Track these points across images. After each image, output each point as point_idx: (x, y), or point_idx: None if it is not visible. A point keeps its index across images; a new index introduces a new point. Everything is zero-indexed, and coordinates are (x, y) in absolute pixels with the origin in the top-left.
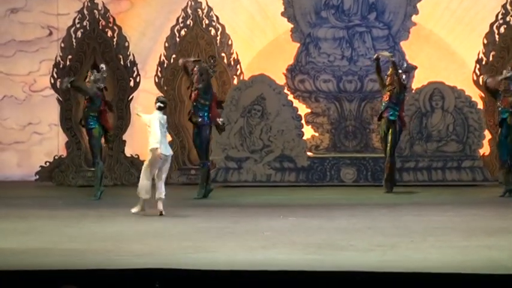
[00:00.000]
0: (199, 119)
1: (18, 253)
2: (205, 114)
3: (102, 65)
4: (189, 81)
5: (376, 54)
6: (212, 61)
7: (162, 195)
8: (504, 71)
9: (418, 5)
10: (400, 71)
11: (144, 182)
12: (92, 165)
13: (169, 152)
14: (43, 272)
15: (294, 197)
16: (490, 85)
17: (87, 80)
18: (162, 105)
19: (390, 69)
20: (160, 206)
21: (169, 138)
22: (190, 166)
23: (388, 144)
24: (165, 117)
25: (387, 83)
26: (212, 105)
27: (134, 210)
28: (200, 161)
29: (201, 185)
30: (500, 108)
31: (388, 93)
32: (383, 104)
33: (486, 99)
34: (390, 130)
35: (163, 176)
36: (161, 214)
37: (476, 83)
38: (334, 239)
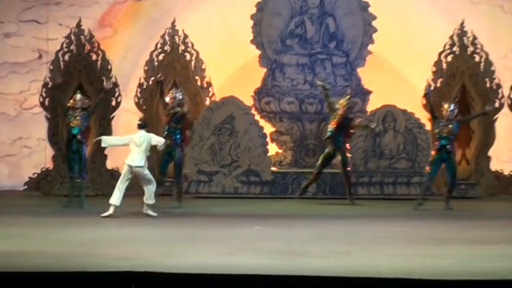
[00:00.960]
0: (172, 141)
1: (6, 255)
2: (178, 136)
3: None
4: (162, 102)
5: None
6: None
7: (146, 201)
8: (445, 105)
9: (374, 36)
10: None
11: (115, 190)
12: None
13: (136, 164)
14: (29, 274)
15: (258, 207)
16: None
17: None
18: (139, 123)
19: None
20: (144, 208)
21: None
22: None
23: (342, 166)
24: (140, 134)
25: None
26: (184, 128)
27: (104, 214)
28: (176, 177)
29: (179, 197)
30: (439, 136)
31: (335, 120)
32: (330, 129)
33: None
34: (339, 153)
35: (145, 185)
36: (147, 215)
37: (424, 106)
38: (294, 246)
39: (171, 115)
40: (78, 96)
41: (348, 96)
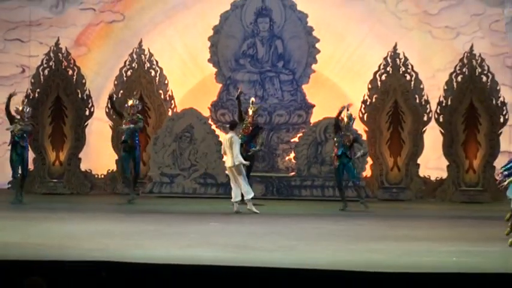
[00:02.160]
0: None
1: None
2: (136, 139)
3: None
4: (117, 113)
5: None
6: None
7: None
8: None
9: (317, 56)
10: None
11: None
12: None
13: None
14: (11, 262)
15: (214, 206)
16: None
17: None
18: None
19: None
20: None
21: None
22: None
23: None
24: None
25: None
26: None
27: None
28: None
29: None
30: (338, 144)
31: (246, 128)
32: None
33: (369, 133)
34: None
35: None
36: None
37: (361, 119)
38: (246, 240)
39: (134, 121)
40: (25, 108)
41: (258, 106)
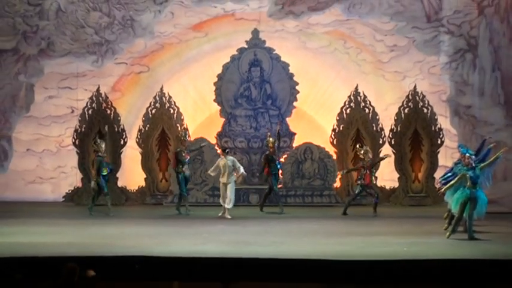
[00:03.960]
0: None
1: (48, 246)
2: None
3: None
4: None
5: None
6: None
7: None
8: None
9: (297, 96)
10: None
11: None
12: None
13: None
14: (65, 258)
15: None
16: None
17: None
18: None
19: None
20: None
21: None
22: (158, 193)
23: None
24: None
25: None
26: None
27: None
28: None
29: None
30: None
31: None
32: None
33: (338, 154)
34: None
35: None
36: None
37: (332, 143)
38: (245, 238)
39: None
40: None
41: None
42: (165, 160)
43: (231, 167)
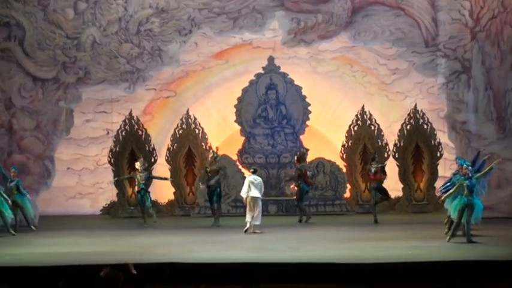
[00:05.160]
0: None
1: (89, 254)
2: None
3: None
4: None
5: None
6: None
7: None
8: (373, 164)
9: (310, 115)
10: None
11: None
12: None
13: (254, 195)
14: (103, 266)
15: (243, 222)
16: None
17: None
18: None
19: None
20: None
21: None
22: (185, 205)
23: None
24: (255, 177)
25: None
26: None
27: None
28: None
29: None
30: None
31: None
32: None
33: (347, 167)
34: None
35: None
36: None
37: (341, 158)
38: (264, 244)
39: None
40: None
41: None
42: (192, 175)
43: (259, 184)
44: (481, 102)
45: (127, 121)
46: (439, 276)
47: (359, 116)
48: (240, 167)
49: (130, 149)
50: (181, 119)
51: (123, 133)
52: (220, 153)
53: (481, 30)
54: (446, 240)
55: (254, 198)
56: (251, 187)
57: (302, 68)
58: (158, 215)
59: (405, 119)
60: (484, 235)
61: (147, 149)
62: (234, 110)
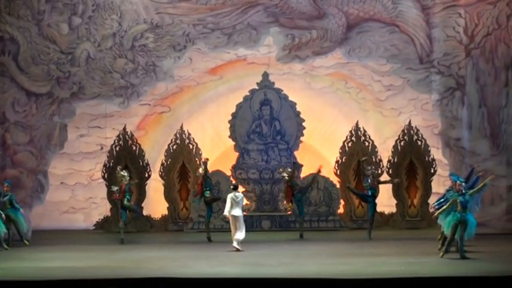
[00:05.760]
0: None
1: (80, 269)
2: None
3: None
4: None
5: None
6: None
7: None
8: (368, 167)
9: (304, 131)
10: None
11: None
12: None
13: (236, 213)
14: (95, 281)
15: None
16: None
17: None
18: (233, 187)
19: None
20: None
21: None
22: (179, 220)
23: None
24: (236, 194)
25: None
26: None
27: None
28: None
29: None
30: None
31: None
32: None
33: (341, 183)
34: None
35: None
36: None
37: (335, 174)
38: (259, 259)
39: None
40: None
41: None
42: (186, 190)
43: (240, 201)
44: (475, 119)
45: (121, 136)
46: None
47: (353, 132)
48: (234, 182)
49: (124, 164)
50: (175, 134)
51: (117, 148)
52: (208, 164)
53: (475, 47)
54: (440, 256)
55: (235, 217)
56: (233, 205)
57: (296, 84)
58: (152, 230)
59: (399, 135)
60: (477, 251)
61: (140, 164)
62: (228, 125)
